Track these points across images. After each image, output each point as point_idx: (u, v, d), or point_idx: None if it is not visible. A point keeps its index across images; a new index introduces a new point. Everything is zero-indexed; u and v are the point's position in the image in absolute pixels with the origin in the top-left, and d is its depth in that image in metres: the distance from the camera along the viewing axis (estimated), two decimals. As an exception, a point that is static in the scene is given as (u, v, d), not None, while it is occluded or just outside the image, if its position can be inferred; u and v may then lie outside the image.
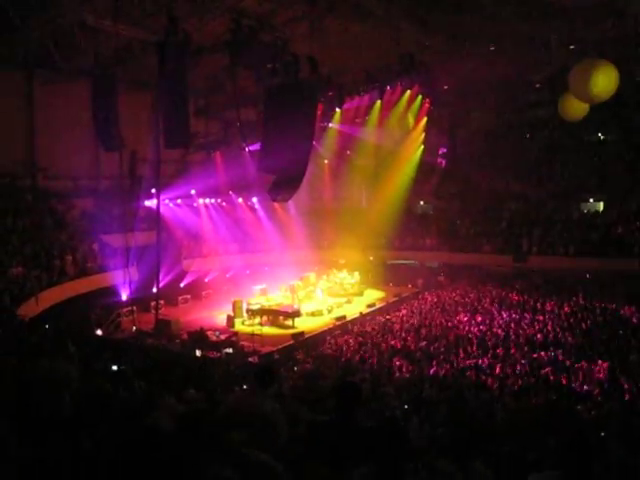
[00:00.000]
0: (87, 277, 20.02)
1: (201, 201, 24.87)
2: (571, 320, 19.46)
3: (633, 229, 26.13)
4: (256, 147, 23.16)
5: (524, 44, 20.29)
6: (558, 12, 17.75)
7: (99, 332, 18.93)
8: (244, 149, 23.02)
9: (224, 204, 26.11)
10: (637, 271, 23.42)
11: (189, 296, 24.48)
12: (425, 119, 28.77)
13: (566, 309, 21.23)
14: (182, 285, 24.02)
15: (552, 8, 17.40)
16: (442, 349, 16.37)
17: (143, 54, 17.48)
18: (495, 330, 18.65)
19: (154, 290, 21.09)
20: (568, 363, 14.44)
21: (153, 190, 20.71)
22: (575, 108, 19.03)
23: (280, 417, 4.84)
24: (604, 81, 15.83)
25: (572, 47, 20.66)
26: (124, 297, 20.33)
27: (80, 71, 17.28)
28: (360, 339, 18.57)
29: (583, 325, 18.74)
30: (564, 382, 12.81)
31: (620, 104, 23.69)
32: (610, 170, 29.43)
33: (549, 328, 18.49)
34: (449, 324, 19.84)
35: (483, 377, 13.30)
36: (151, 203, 21.05)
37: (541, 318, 20.04)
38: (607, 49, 18.90)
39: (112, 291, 20.05)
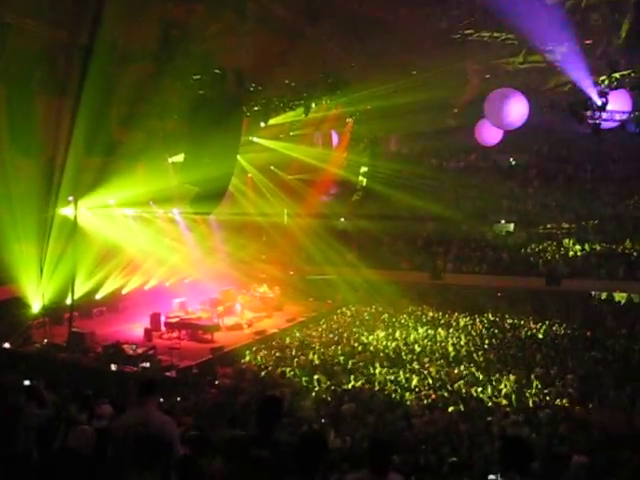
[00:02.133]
0: (-4, 286, 19.13)
1: (120, 211, 24.26)
2: (483, 335, 20.35)
3: (540, 250, 27.79)
4: (179, 158, 22.95)
5: (443, 72, 21.23)
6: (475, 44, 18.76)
7: (7, 345, 18.06)
8: (167, 160, 22.71)
9: (144, 215, 25.57)
10: (543, 289, 24.89)
11: (105, 308, 23.73)
12: (348, 137, 29.40)
13: (478, 325, 22.17)
14: (98, 297, 23.27)
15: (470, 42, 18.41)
16: (360, 363, 16.68)
17: (65, 57, 17.00)
18: (411, 345, 19.20)
19: (68, 301, 20.39)
20: (480, 377, 15.09)
21: (70, 198, 20.08)
22: (489, 133, 20.10)
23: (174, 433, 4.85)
24: (516, 110, 16.90)
25: (487, 76, 21.82)
26: (36, 308, 19.50)
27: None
28: (279, 354, 18.63)
29: (494, 340, 19.63)
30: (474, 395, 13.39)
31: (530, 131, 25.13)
32: (520, 193, 31.18)
33: (462, 343, 19.26)
34: (367, 339, 20.25)
35: (399, 391, 13.68)
36: (68, 211, 20.38)
37: (455, 333, 20.85)
38: (519, 79, 20.15)
39: (23, 302, 19.18)
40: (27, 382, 7.14)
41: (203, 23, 16.70)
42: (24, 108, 16.61)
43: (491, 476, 6.39)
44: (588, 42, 17.62)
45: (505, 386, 14.15)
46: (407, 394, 13.46)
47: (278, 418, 4.45)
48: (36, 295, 19.38)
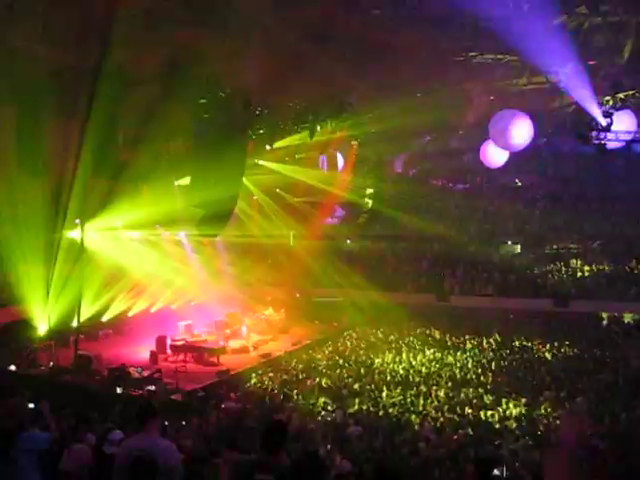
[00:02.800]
0: (2, 308, 19.14)
1: (127, 234, 24.34)
2: (490, 358, 20.16)
3: (547, 271, 27.62)
4: (185, 181, 23.06)
5: (447, 94, 21.35)
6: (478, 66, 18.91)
7: (12, 367, 18.00)
8: (173, 182, 22.83)
9: (150, 237, 25.64)
10: (551, 310, 24.71)
11: (111, 331, 23.71)
12: (354, 160, 29.51)
13: (485, 347, 21.98)
14: (104, 319, 23.26)
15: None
16: (367, 387, 16.54)
17: (73, 81, 17.19)
18: (418, 368, 19.05)
19: (74, 324, 20.36)
20: (488, 399, 14.91)
21: (77, 221, 20.17)
22: (495, 155, 20.13)
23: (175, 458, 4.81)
24: (521, 131, 16.98)
25: (491, 98, 21.92)
26: (42, 331, 19.47)
27: (5, 95, 16.81)
28: (285, 376, 18.51)
29: (502, 362, 19.44)
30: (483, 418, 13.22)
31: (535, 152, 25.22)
32: (526, 214, 31.15)
33: (469, 365, 19.08)
34: (373, 362, 20.10)
35: (407, 414, 13.52)
36: (75, 234, 20.46)
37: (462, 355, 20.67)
38: (523, 100, 20.23)
39: (29, 324, 19.17)
40: (31, 405, 7.10)
41: (209, 47, 16.84)
42: (32, 130, 16.78)
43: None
44: (592, 63, 17.67)
45: (514, 409, 13.97)
46: (414, 417, 13.29)
47: (283, 442, 4.41)
48: (42, 317, 19.38)
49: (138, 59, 16.49)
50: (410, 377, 17.77)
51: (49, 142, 17.55)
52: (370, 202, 33.88)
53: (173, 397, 16.24)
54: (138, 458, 4.33)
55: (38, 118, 16.53)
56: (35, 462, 5.28)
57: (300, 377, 18.17)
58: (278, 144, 25.01)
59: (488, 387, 16.35)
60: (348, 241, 33.56)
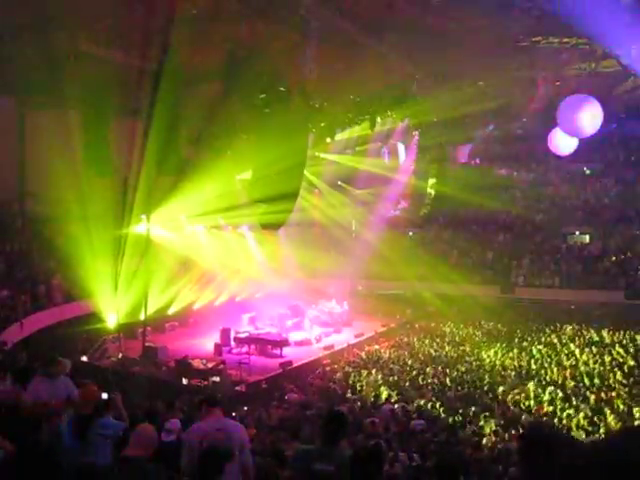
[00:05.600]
0: (73, 302, 19.88)
1: (191, 228, 24.87)
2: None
3: (617, 262, 26.50)
4: (247, 175, 23.35)
5: (510, 80, 20.75)
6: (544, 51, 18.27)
7: (84, 358, 18.72)
8: (235, 177, 23.16)
9: (214, 231, 26.11)
10: (622, 303, 23.74)
11: (177, 323, 24.30)
12: (415, 150, 29.20)
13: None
14: (170, 312, 23.86)
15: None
16: (429, 380, 16.33)
17: (136, 82, 17.67)
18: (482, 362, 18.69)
19: (142, 317, 20.98)
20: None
21: (143, 216, 20.74)
22: (564, 142, 19.41)
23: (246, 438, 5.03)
24: (590, 116, 16.28)
25: (557, 83, 21.16)
26: (111, 323, 20.17)
27: (72, 98, 17.43)
28: (348, 369, 18.50)
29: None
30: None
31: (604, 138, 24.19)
32: (596, 203, 29.93)
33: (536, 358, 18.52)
34: (440, 355, 19.88)
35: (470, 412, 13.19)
36: (141, 229, 21.06)
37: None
38: (591, 84, 19.42)
39: (99, 317, 19.88)
40: (105, 395, 7.32)
41: (267, 42, 16.96)
42: (99, 131, 17.39)
43: None
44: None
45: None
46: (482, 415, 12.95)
47: (343, 432, 4.40)
48: (111, 310, 20.07)
49: (199, 57, 16.77)
50: (474, 372, 17.42)
51: (114, 142, 18.14)
52: (433, 192, 33.47)
53: (237, 388, 16.49)
54: (209, 445, 4.48)
55: (104, 119, 17.10)
56: (109, 448, 5.45)
57: (362, 369, 18.11)
58: (339, 136, 24.99)
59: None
60: (411, 233, 33.22)
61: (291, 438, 9.11)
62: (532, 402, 13.78)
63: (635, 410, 12.51)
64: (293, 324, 24.33)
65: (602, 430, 11.15)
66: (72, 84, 15.88)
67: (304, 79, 18.77)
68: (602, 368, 16.98)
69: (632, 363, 17.36)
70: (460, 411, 12.92)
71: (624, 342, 20.69)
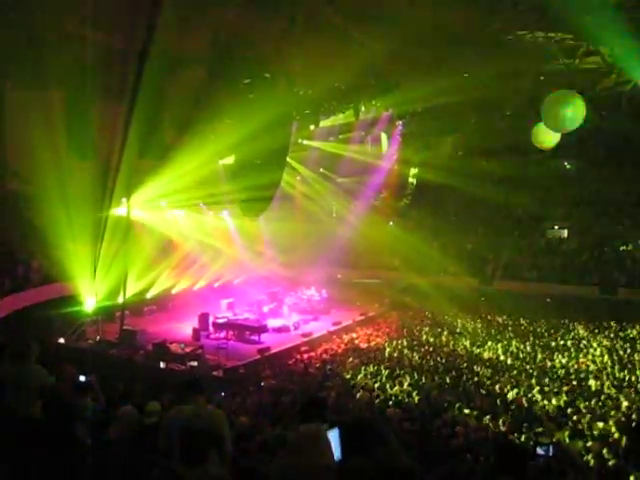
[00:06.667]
0: (52, 284, 19.74)
1: (171, 213, 24.79)
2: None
3: (594, 257, 26.94)
4: (230, 161, 23.27)
5: (494, 73, 20.82)
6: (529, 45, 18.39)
7: (61, 340, 18.67)
8: (217, 162, 23.06)
9: (195, 216, 26.05)
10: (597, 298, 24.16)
11: (155, 307, 24.27)
12: (398, 140, 29.26)
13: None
14: (149, 296, 23.82)
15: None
16: (406, 370, 16.52)
17: (120, 64, 17.46)
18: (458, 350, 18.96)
19: (120, 300, 20.92)
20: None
21: (124, 199, 20.62)
22: (546, 137, 19.59)
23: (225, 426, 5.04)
24: (573, 112, 16.45)
25: (541, 78, 21.31)
26: (90, 306, 20.09)
27: (55, 79, 17.20)
28: (326, 356, 18.65)
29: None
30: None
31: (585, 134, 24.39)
32: (575, 197, 30.30)
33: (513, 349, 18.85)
34: (420, 341, 20.13)
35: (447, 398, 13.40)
36: (121, 212, 20.95)
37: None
38: (574, 80, 19.56)
39: (77, 299, 19.79)
40: (82, 377, 7.33)
41: (255, 28, 16.86)
42: (81, 113, 17.18)
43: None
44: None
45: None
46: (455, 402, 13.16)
47: (322, 417, 4.46)
48: (90, 293, 19.98)
49: (184, 41, 16.63)
50: (452, 361, 17.69)
51: (97, 124, 17.95)
52: (414, 182, 33.60)
53: (214, 373, 16.57)
54: (188, 427, 4.51)
55: (86, 101, 16.90)
56: (86, 430, 5.48)
57: (340, 357, 18.27)
58: (323, 124, 24.96)
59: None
60: (391, 223, 33.40)
61: (268, 424, 9.21)
62: (511, 394, 14.00)
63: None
64: (270, 310, 24.43)
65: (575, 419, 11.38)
66: (55, 65, 15.68)
67: (289, 66, 18.74)
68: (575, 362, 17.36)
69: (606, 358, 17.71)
70: (436, 400, 13.11)
71: (598, 337, 21.13)
